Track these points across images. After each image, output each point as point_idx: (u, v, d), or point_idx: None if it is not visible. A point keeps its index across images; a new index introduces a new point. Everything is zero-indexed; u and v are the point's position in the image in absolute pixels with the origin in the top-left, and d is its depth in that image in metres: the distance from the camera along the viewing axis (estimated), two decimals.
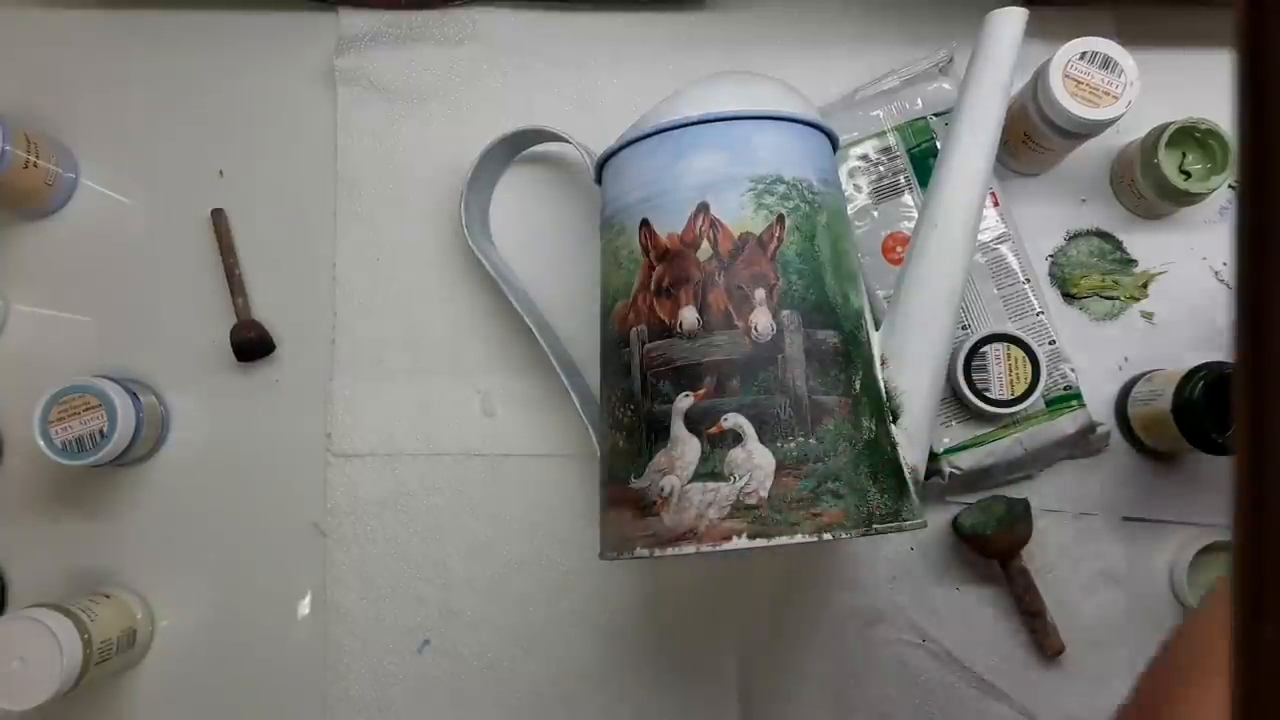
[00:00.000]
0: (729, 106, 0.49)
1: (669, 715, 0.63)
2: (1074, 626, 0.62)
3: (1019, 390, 0.58)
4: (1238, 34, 0.16)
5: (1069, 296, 0.64)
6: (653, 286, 0.48)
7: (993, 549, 0.60)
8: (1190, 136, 0.61)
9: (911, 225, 0.61)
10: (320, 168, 0.67)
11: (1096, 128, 0.57)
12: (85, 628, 0.57)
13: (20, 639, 0.55)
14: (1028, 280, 0.61)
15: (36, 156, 0.62)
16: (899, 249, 0.61)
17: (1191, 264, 0.65)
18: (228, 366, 0.65)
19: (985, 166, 0.49)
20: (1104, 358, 0.64)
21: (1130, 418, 0.62)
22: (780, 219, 0.48)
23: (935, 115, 0.62)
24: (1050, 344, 0.60)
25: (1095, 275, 0.64)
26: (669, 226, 0.48)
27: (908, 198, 0.62)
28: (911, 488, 0.48)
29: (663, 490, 0.45)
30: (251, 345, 0.65)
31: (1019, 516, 0.60)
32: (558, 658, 0.63)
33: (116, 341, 0.65)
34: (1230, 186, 0.62)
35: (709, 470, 0.45)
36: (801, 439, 0.45)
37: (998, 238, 0.61)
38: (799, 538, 0.44)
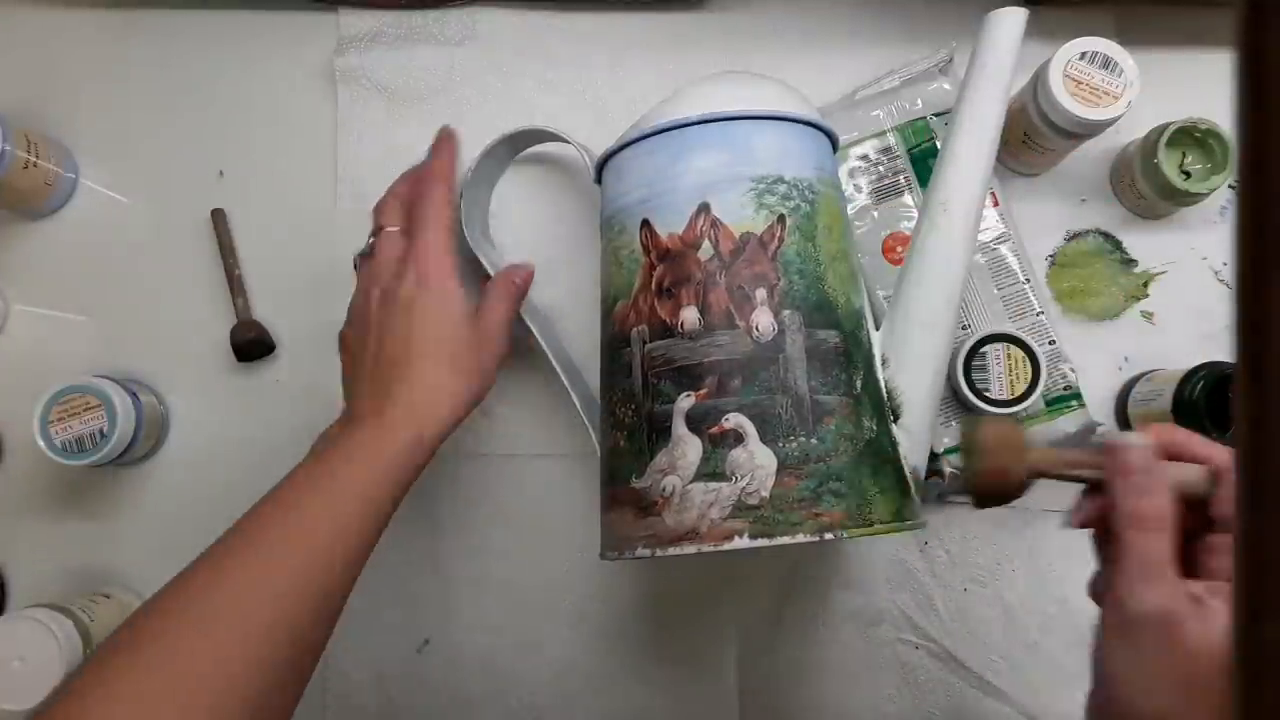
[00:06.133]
0: (729, 106, 0.49)
1: (669, 715, 0.63)
2: (1075, 626, 0.62)
3: (1019, 390, 0.58)
4: (1238, 34, 0.16)
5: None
6: (654, 286, 0.48)
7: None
8: (1190, 136, 0.61)
9: (911, 225, 0.61)
10: (320, 168, 0.67)
11: (1096, 128, 0.57)
12: (85, 628, 0.57)
13: (20, 639, 0.55)
14: (1028, 280, 0.61)
15: (36, 156, 0.62)
16: (899, 249, 0.61)
17: (1191, 264, 0.65)
18: (228, 366, 0.65)
19: (985, 166, 0.49)
20: (1104, 358, 0.64)
21: (1130, 418, 0.62)
22: (781, 219, 0.48)
23: (935, 115, 0.62)
24: (1050, 344, 0.60)
25: (1076, 278, 0.64)
26: (670, 226, 0.48)
27: (908, 198, 0.62)
28: (912, 487, 0.48)
29: (664, 490, 0.45)
30: (251, 345, 0.65)
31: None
32: (558, 658, 0.63)
33: (116, 341, 0.65)
34: (1230, 186, 0.62)
35: (710, 470, 0.45)
36: (803, 439, 0.45)
37: (998, 238, 0.61)
38: (800, 538, 0.44)
